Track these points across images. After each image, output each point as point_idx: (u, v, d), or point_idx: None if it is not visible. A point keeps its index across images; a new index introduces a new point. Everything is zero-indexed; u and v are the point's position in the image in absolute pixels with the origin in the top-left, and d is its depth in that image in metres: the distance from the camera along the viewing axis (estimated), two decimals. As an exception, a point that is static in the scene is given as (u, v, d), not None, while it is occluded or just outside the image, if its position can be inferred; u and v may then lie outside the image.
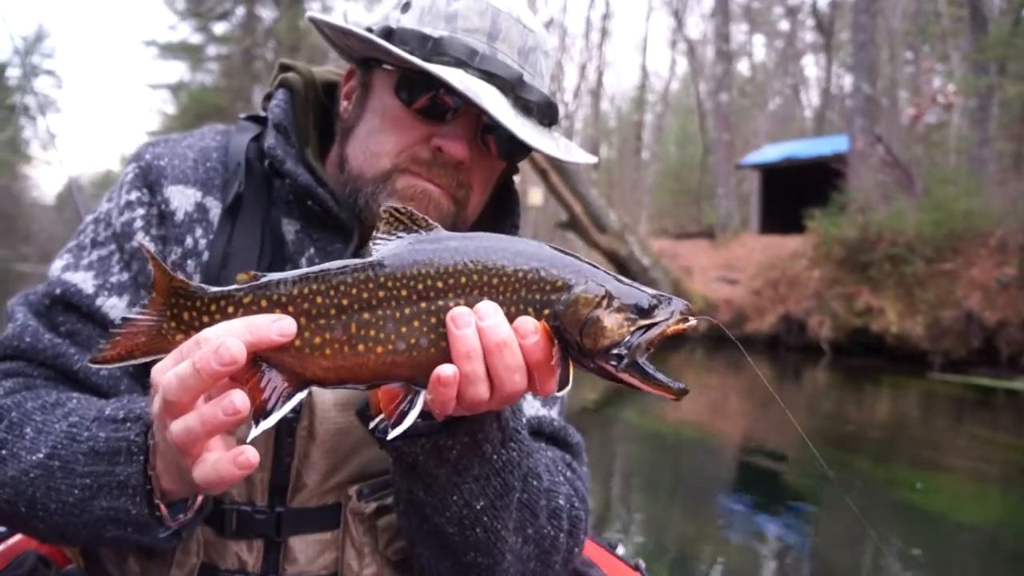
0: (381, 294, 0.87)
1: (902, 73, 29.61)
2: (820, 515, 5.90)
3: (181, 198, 1.29)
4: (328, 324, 0.87)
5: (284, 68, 1.43)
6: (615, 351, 0.87)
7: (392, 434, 0.87)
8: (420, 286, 0.88)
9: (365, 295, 0.87)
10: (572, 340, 0.88)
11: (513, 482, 1.13)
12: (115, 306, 1.25)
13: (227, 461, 0.85)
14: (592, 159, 1.41)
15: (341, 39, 1.31)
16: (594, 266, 0.92)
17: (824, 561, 5.31)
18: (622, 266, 16.82)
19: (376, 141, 1.27)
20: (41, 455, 1.05)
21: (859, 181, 18.87)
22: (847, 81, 37.24)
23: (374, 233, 0.91)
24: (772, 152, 27.67)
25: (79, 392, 1.21)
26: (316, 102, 1.44)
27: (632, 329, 0.88)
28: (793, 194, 24.71)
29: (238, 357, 0.80)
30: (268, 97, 1.43)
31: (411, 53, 1.20)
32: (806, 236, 18.67)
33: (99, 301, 1.25)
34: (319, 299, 0.87)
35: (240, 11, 41.55)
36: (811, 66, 53.41)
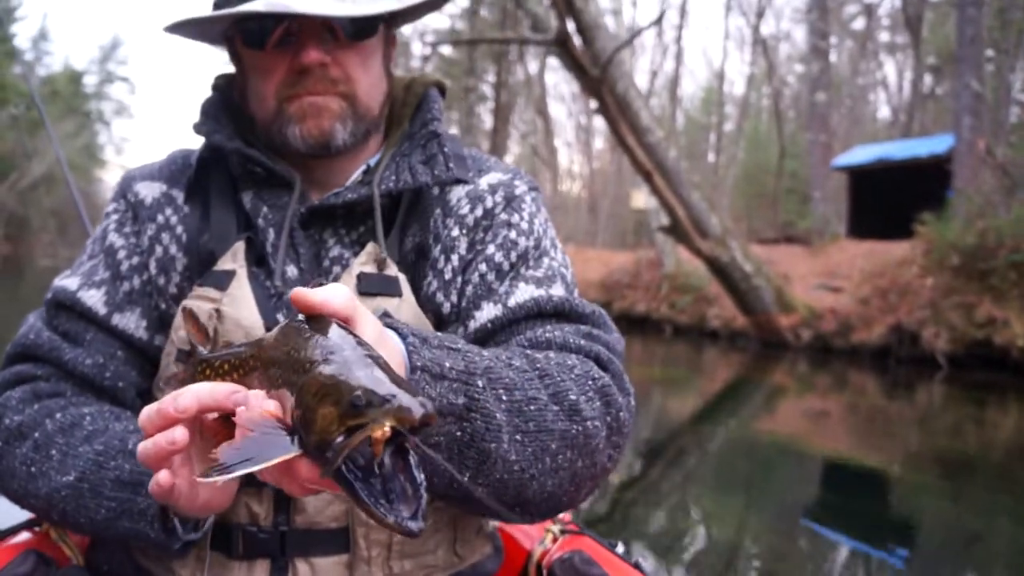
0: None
1: (984, 71, 28.20)
2: (915, 550, 5.17)
3: (148, 189, 1.49)
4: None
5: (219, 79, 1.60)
6: (325, 452, 0.76)
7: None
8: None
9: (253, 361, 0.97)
10: (296, 429, 0.81)
11: (487, 445, 1.09)
12: (92, 296, 1.40)
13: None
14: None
15: (196, 33, 1.45)
16: (372, 357, 0.80)
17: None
18: (723, 272, 16.17)
19: (259, 91, 1.41)
20: (71, 478, 1.18)
21: (972, 183, 17.83)
22: (927, 80, 36.01)
23: None
24: (863, 153, 26.39)
25: (72, 383, 1.36)
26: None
27: (341, 430, 0.75)
28: (885, 197, 23.75)
29: (189, 409, 0.89)
30: None
31: (224, 7, 1.34)
32: (914, 242, 17.66)
33: (80, 294, 1.41)
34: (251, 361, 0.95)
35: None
36: (888, 64, 51.66)
